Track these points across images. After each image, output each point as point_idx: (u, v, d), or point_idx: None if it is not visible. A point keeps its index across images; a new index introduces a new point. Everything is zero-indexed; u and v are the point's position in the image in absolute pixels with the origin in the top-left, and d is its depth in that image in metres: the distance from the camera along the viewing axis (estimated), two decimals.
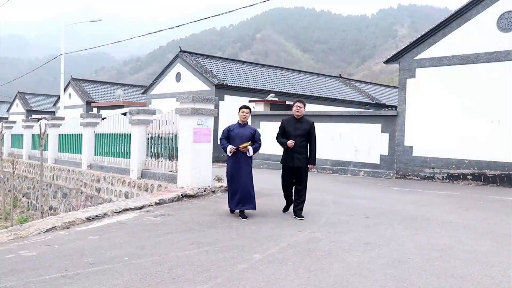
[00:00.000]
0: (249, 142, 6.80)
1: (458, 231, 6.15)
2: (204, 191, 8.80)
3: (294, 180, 6.95)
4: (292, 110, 7.00)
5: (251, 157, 6.95)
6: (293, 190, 7.01)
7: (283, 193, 7.25)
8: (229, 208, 7.07)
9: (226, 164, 7.20)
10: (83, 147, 13.40)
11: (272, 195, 8.88)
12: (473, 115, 12.23)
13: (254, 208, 6.85)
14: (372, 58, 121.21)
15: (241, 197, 6.76)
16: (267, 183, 10.49)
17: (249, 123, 21.18)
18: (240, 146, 6.75)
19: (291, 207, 7.13)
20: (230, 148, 6.81)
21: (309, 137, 6.82)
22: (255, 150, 6.91)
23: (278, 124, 7.26)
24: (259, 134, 7.03)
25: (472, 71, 12.36)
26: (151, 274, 4.26)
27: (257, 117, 17.44)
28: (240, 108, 7.02)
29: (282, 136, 6.94)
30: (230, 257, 4.78)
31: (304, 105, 6.92)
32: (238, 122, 7.01)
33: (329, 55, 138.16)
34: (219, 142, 7.20)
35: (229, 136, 6.91)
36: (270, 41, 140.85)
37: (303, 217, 6.73)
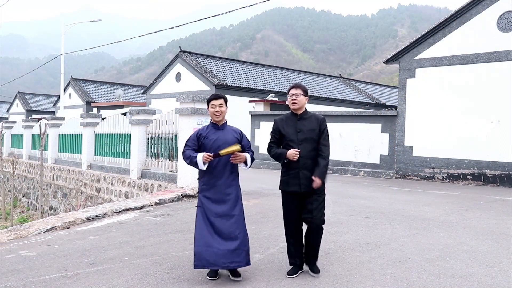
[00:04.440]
0: (238, 145, 4.13)
1: (458, 231, 6.15)
2: None
3: (302, 213, 4.22)
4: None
5: (238, 177, 4.30)
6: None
7: (286, 239, 4.38)
8: (194, 265, 4.05)
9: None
10: (83, 147, 13.40)
11: (272, 195, 8.88)
12: (473, 115, 12.23)
13: (247, 263, 4.10)
14: (372, 58, 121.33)
15: (225, 249, 3.99)
16: (267, 183, 10.49)
17: (249, 124, 20.60)
18: (224, 151, 4.06)
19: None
20: (203, 157, 4.05)
21: (321, 141, 4.23)
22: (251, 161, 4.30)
23: None
24: (248, 140, 4.38)
25: (472, 71, 12.37)
26: (151, 274, 4.26)
27: (257, 117, 17.46)
28: (209, 101, 4.27)
29: (278, 146, 4.34)
30: None
31: (305, 92, 4.33)
32: (211, 122, 4.32)
33: (329, 55, 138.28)
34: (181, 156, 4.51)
35: (200, 146, 4.23)
36: (270, 41, 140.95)
37: (319, 271, 4.24)
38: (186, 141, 4.29)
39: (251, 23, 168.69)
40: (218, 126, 4.27)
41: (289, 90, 4.35)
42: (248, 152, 4.27)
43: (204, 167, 4.11)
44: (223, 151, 4.07)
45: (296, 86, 4.33)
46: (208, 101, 4.27)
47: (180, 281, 4.08)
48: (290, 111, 4.41)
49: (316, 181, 4.07)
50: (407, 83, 13.62)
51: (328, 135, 4.31)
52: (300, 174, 4.15)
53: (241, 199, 4.26)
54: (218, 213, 4.07)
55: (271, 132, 4.41)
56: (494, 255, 5.01)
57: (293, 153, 4.11)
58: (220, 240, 4.01)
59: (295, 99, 4.27)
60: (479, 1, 12.29)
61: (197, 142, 4.23)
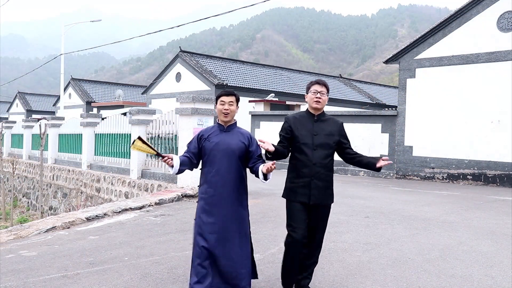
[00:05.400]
0: (137, 142, 3.49)
1: (458, 231, 6.15)
2: None
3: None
4: (307, 103, 3.75)
5: (245, 193, 3.75)
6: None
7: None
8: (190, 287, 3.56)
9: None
10: (83, 147, 13.40)
11: (273, 195, 8.88)
12: (473, 115, 12.23)
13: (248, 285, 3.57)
14: (372, 58, 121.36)
15: (222, 274, 3.54)
16: (267, 183, 10.48)
17: (249, 124, 20.58)
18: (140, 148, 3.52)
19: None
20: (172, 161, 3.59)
21: (348, 145, 3.82)
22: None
23: (279, 125, 4.11)
24: (259, 147, 3.66)
25: (472, 71, 12.37)
26: (151, 274, 4.26)
27: (257, 117, 17.46)
28: (219, 97, 3.70)
29: (284, 147, 3.67)
30: None
31: (328, 91, 3.73)
32: (218, 123, 3.77)
33: (329, 55, 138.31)
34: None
35: (201, 149, 3.69)
36: (270, 41, 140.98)
37: None
38: (187, 143, 3.81)
39: (251, 23, 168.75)
40: (224, 127, 3.69)
41: (310, 86, 3.70)
42: (257, 159, 3.65)
43: (172, 171, 3.64)
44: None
45: (321, 82, 3.68)
46: (218, 97, 3.70)
47: (180, 281, 4.08)
48: (305, 111, 3.78)
49: (384, 160, 3.78)
50: (407, 83, 13.62)
51: (349, 141, 3.88)
52: (311, 184, 3.57)
53: (248, 220, 3.72)
54: (215, 230, 3.55)
55: (281, 132, 3.72)
56: (494, 255, 5.01)
57: (265, 145, 3.43)
58: (215, 267, 3.57)
59: (319, 98, 3.63)
60: (479, 1, 12.29)
61: (198, 145, 3.69)
